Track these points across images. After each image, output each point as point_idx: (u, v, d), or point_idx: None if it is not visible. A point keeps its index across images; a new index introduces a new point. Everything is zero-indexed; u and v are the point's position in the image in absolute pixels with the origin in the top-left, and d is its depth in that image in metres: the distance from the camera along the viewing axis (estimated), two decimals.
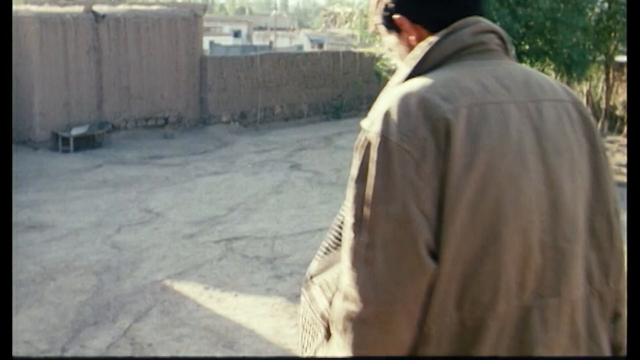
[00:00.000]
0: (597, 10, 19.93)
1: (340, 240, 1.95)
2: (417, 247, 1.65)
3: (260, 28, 57.93)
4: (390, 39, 2.07)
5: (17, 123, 17.96)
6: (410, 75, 1.88)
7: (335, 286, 1.88)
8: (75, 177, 15.57)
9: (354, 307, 1.68)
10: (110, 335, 7.66)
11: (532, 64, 18.47)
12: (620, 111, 22.28)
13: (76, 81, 19.02)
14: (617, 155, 18.87)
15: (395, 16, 1.98)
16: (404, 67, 1.93)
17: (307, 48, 43.59)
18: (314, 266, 2.11)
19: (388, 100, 1.83)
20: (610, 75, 21.72)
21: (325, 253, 2.09)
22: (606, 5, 20.22)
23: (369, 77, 26.36)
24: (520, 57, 17.95)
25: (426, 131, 1.69)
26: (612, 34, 20.40)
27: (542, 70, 18.92)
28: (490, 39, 1.92)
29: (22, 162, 16.30)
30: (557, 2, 17.18)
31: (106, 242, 10.95)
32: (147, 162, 17.45)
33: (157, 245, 10.91)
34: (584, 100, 21.62)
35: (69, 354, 7.26)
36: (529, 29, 17.31)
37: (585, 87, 21.65)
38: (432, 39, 1.90)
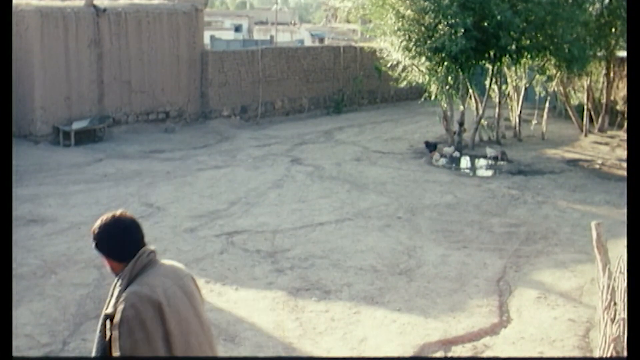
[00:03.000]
0: (597, 5, 19.90)
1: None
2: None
3: (261, 22, 57.78)
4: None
5: (18, 117, 17.97)
6: (128, 282, 3.67)
7: None
8: (76, 171, 15.58)
9: None
10: None
11: (532, 59, 18.46)
12: (621, 106, 22.28)
13: (77, 75, 19.02)
14: (617, 150, 18.89)
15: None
16: (124, 279, 3.71)
17: (308, 42, 43.52)
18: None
19: (130, 298, 3.58)
20: (611, 71, 21.70)
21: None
22: (607, 0, 20.20)
23: (370, 71, 26.36)
24: (520, 52, 17.95)
25: (151, 309, 3.55)
26: (613, 29, 20.38)
27: (543, 66, 18.91)
28: (152, 256, 3.81)
29: (23, 156, 16.31)
30: None
31: None
32: (148, 156, 17.46)
33: (158, 239, 10.91)
34: (585, 95, 21.64)
35: (70, 347, 7.29)
36: (530, 23, 17.29)
37: (585, 82, 21.64)
38: (132, 263, 3.72)
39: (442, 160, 17.55)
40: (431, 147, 18.00)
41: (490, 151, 17.79)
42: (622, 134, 20.59)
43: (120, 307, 3.54)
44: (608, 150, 19.09)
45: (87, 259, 9.77)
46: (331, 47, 27.69)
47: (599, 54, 20.39)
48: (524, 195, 14.05)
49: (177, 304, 3.66)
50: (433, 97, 18.87)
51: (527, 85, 20.70)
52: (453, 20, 16.37)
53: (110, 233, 3.73)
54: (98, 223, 3.77)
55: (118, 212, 3.85)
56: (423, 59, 17.78)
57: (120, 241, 3.72)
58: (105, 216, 3.81)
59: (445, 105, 18.92)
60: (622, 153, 18.15)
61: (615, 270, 7.24)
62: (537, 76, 19.90)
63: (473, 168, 17.71)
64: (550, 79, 20.12)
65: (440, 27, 16.74)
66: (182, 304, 3.68)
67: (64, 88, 18.75)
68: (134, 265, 3.68)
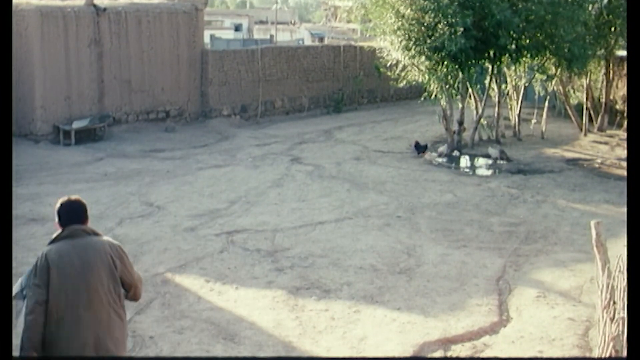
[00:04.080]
0: (597, 4, 19.90)
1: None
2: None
3: (261, 22, 57.78)
4: None
5: (19, 116, 17.98)
6: (52, 241, 5.26)
7: None
8: (76, 170, 15.60)
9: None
10: None
11: (532, 58, 18.46)
12: (620, 105, 22.29)
13: (77, 74, 19.03)
14: (616, 150, 18.90)
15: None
16: (53, 237, 5.27)
17: (308, 42, 43.50)
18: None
19: (43, 252, 5.20)
20: (610, 70, 21.71)
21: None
22: None
23: (370, 71, 26.35)
24: (520, 51, 17.95)
25: (45, 262, 5.10)
26: (612, 28, 20.39)
27: (543, 64, 18.90)
28: (76, 232, 5.22)
29: (23, 155, 16.32)
30: None
31: (107, 235, 10.90)
32: (148, 155, 17.47)
33: (158, 238, 10.95)
34: (584, 95, 21.65)
35: None
36: (529, 23, 17.30)
37: (585, 81, 21.65)
38: (61, 230, 5.24)
39: (439, 159, 17.56)
40: (421, 148, 17.91)
41: (492, 151, 17.77)
42: (622, 133, 20.60)
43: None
44: (607, 149, 19.11)
45: None
46: (331, 46, 27.71)
47: (598, 53, 20.40)
48: (523, 194, 14.07)
49: (65, 265, 5.11)
50: (433, 97, 18.88)
51: (527, 84, 20.71)
52: (453, 20, 16.38)
53: (60, 207, 5.35)
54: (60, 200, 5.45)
55: (73, 197, 5.48)
56: (423, 58, 17.79)
57: (62, 213, 5.33)
58: (65, 197, 5.46)
59: (444, 104, 18.92)
60: (622, 152, 18.16)
61: (614, 269, 7.25)
62: (537, 75, 19.91)
63: (473, 167, 17.72)
64: (550, 78, 20.13)
65: (440, 26, 16.75)
66: (70, 267, 5.11)
67: (64, 87, 18.77)
68: (60, 232, 5.29)
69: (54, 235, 5.32)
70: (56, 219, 5.38)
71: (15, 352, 7.06)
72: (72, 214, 5.37)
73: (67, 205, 5.38)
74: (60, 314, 5.13)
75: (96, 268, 5.21)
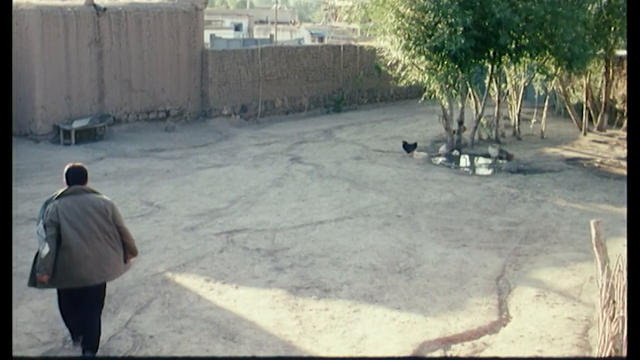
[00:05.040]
0: (596, 4, 19.90)
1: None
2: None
3: (261, 21, 57.86)
4: None
5: (19, 116, 17.99)
6: (60, 196, 6.99)
7: None
8: None
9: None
10: (111, 327, 7.71)
11: (532, 58, 18.46)
12: (620, 105, 22.30)
13: (77, 74, 19.03)
14: (616, 149, 18.91)
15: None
16: (60, 192, 7.02)
17: (308, 41, 43.51)
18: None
19: (53, 203, 6.97)
20: (610, 69, 21.71)
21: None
22: None
23: (370, 70, 26.37)
24: (520, 50, 17.95)
25: (55, 210, 6.88)
26: (612, 28, 20.40)
27: (543, 64, 18.90)
28: (77, 190, 7.02)
29: (23, 155, 16.33)
30: None
31: None
32: (148, 155, 17.48)
33: (158, 237, 10.95)
34: (584, 94, 21.66)
35: (70, 345, 7.31)
36: (529, 22, 17.30)
37: (584, 80, 21.65)
38: (67, 187, 7.07)
39: (439, 159, 17.57)
40: (409, 147, 17.89)
41: (492, 151, 17.76)
42: (621, 133, 20.61)
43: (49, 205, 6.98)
44: (607, 148, 19.12)
45: None
46: (331, 46, 27.68)
47: (598, 52, 20.40)
48: (523, 193, 14.07)
49: (70, 212, 6.84)
50: (433, 96, 18.87)
51: (527, 84, 20.71)
52: (453, 19, 16.38)
53: (67, 171, 7.11)
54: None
55: (77, 164, 7.24)
56: (422, 57, 17.78)
57: (69, 175, 7.09)
58: (71, 163, 7.20)
59: (444, 104, 18.92)
60: (621, 151, 18.17)
61: (614, 269, 7.26)
62: (537, 75, 19.91)
63: (472, 167, 17.73)
64: (549, 77, 20.13)
65: (440, 26, 16.75)
66: (73, 213, 6.85)
67: (64, 87, 18.77)
68: (66, 189, 7.01)
69: (61, 190, 6.98)
70: (64, 180, 7.10)
71: (19, 351, 7.09)
72: (76, 176, 7.12)
73: (73, 169, 7.15)
74: (68, 247, 6.81)
75: (92, 214, 6.94)
